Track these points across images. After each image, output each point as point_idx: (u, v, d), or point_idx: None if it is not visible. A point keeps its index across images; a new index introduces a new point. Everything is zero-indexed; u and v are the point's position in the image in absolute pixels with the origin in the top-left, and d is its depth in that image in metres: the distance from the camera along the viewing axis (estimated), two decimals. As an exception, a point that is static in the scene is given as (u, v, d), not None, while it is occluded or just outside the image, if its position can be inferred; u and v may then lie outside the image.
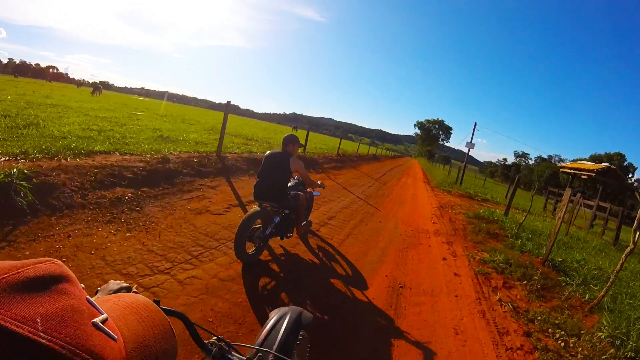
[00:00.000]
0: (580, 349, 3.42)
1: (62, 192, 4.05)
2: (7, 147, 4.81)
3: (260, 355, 1.07)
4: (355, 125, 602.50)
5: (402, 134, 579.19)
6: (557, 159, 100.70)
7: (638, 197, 5.12)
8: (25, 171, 3.92)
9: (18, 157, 4.55)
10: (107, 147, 6.31)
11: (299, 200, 4.09)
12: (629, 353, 3.43)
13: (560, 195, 17.34)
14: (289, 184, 4.28)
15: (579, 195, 6.53)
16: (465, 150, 19.93)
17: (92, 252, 3.19)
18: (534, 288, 4.79)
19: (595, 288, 5.19)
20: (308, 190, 4.62)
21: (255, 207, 3.74)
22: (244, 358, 0.93)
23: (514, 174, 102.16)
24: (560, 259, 6.44)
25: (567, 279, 5.43)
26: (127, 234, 3.73)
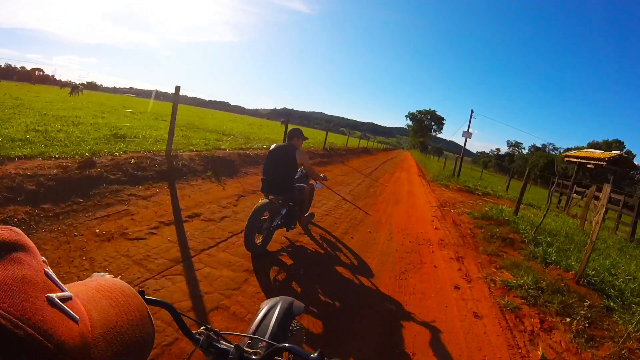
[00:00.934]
0: None
1: None
2: None
3: (249, 343, 1.08)
4: (346, 118, 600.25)
5: (394, 126, 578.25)
6: (550, 147, 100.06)
7: None
8: None
9: None
10: (35, 151, 5.10)
11: (303, 193, 4.23)
12: None
13: (565, 187, 16.11)
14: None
15: (607, 186, 5.43)
16: (461, 140, 18.63)
17: None
18: (580, 327, 3.47)
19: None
20: (310, 182, 4.58)
21: (263, 199, 3.81)
22: (232, 346, 0.87)
23: (508, 164, 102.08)
24: (592, 271, 5.20)
25: (610, 302, 4.21)
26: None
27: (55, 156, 5.08)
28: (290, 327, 1.38)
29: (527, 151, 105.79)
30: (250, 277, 3.23)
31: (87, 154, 5.53)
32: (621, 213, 12.01)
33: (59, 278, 0.40)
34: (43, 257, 0.40)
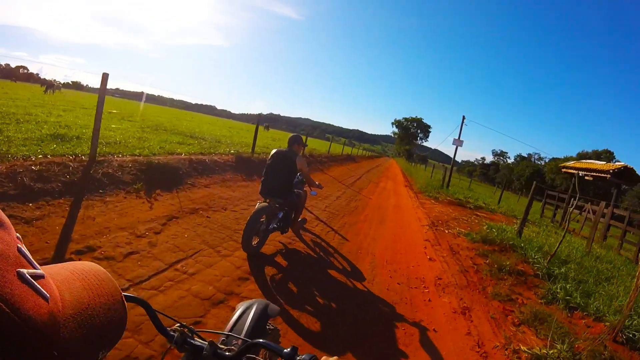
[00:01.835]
0: None
1: None
2: None
3: (224, 340, 1.07)
4: (332, 125, 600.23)
5: (379, 134, 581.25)
6: (536, 157, 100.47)
7: None
8: None
9: None
10: None
11: (300, 198, 4.35)
12: None
13: (561, 200, 15.09)
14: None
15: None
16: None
17: None
18: None
19: None
20: (305, 188, 4.69)
21: (262, 203, 3.86)
22: (206, 343, 0.87)
23: (493, 173, 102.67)
24: (628, 321, 4.00)
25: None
26: None
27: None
28: (267, 328, 1.42)
29: (512, 160, 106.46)
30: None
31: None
32: (625, 231, 10.97)
33: None
34: (18, 234, 0.39)
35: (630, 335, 3.64)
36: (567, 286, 4.80)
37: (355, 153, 35.85)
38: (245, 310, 1.35)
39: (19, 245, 0.38)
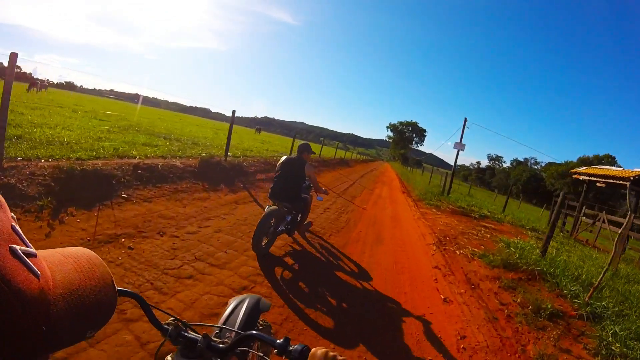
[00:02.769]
0: None
1: None
2: None
3: (217, 333, 1.08)
4: (327, 129, 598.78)
5: (374, 137, 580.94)
6: (532, 161, 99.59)
7: None
8: None
9: None
10: None
11: (307, 203, 4.57)
12: None
13: (572, 208, 13.92)
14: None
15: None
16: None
17: None
18: None
19: None
20: (311, 193, 4.85)
21: (272, 206, 4.04)
22: (200, 336, 0.88)
23: (489, 178, 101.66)
24: None
25: None
26: None
27: None
28: (259, 323, 1.44)
29: (508, 165, 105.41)
30: None
31: None
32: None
33: None
34: (13, 215, 0.40)
35: None
36: (619, 331, 3.63)
37: (349, 157, 34.54)
38: (238, 305, 1.35)
39: (13, 224, 0.39)
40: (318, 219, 6.28)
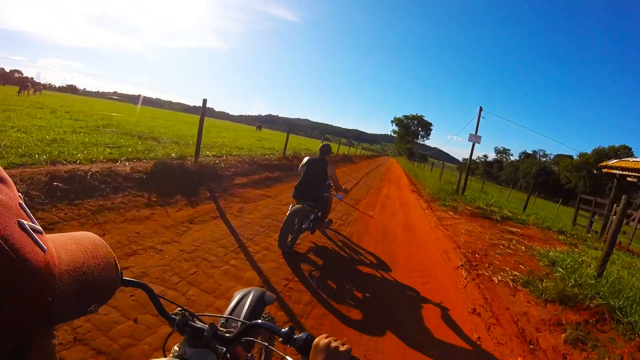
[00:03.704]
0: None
1: None
2: None
3: (223, 323, 1.10)
4: (331, 125, 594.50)
5: (379, 133, 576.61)
6: (541, 154, 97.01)
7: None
8: None
9: None
10: None
11: (328, 202, 4.74)
12: None
13: (586, 202, 12.43)
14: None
15: None
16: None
17: None
18: None
19: None
20: (331, 192, 5.00)
21: (297, 205, 4.19)
22: (207, 325, 0.89)
23: (497, 171, 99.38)
24: None
25: None
26: None
27: None
28: (263, 315, 1.42)
29: (516, 158, 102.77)
30: None
31: None
32: None
33: None
34: (20, 194, 0.41)
35: None
36: None
37: (353, 153, 32.95)
38: (243, 297, 1.37)
39: (20, 201, 0.40)
40: (310, 238, 4.86)
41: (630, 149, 64.02)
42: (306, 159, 4.52)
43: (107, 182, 4.17)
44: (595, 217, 13.20)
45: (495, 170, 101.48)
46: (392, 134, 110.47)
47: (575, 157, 69.50)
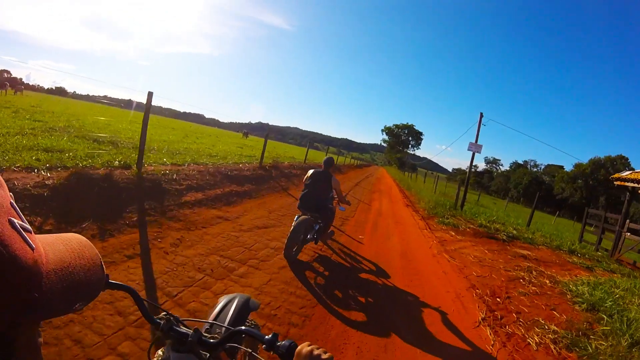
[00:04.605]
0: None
1: None
2: None
3: (208, 328, 1.14)
4: (321, 134, 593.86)
5: (368, 142, 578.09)
6: (532, 164, 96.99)
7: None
8: None
9: None
10: None
11: (332, 213, 4.88)
12: None
13: (609, 223, 11.39)
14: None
15: None
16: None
17: None
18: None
19: None
20: (334, 204, 5.06)
21: (302, 216, 4.32)
22: (191, 330, 0.89)
23: (487, 181, 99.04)
24: None
25: None
26: None
27: None
28: (248, 321, 1.43)
29: (506, 168, 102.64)
30: None
31: None
32: None
33: None
34: (11, 194, 0.42)
35: None
36: None
37: (342, 162, 31.71)
38: (228, 303, 1.36)
39: (11, 200, 0.41)
40: (266, 287, 3.53)
41: (627, 158, 63.90)
42: (311, 171, 4.64)
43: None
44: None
45: (485, 181, 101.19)
46: (382, 143, 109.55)
47: (568, 167, 69.50)
